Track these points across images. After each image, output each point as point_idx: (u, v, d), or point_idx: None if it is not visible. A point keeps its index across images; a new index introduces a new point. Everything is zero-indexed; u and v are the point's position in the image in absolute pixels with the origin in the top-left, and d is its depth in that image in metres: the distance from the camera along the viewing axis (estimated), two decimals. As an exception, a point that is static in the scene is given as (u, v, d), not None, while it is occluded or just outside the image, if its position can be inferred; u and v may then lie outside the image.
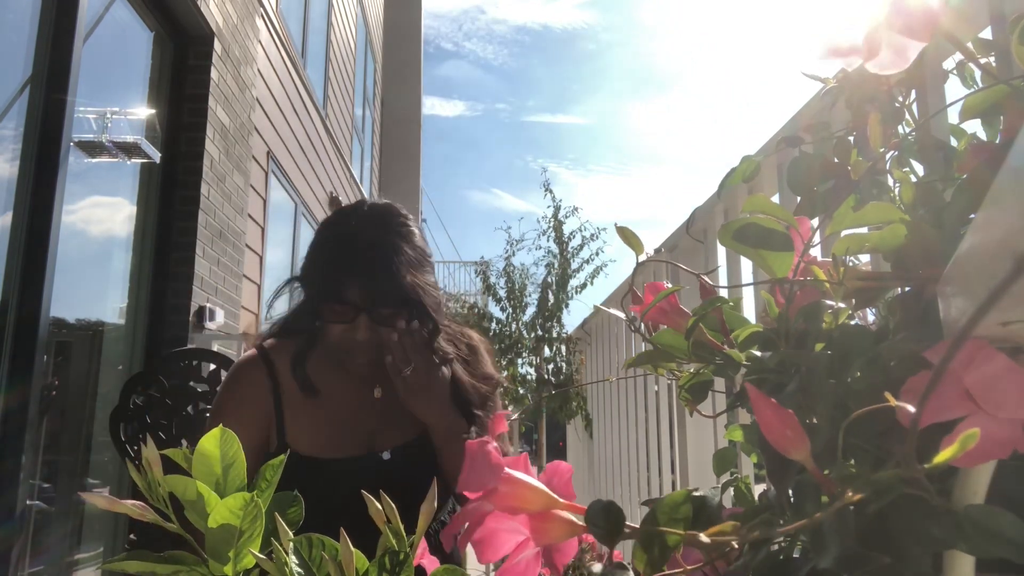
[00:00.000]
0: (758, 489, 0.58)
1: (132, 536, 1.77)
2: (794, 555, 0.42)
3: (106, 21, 3.12)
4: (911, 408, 0.28)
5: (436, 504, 0.48)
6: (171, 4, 3.48)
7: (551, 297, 6.84)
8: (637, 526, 0.39)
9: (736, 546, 0.34)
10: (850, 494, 0.27)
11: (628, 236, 0.52)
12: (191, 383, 2.08)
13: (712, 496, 0.42)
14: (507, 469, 0.40)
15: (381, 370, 1.21)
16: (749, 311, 0.90)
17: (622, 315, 0.64)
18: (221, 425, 0.48)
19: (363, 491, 0.47)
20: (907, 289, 0.49)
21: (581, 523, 0.40)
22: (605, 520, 0.38)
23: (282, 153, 5.40)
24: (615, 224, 0.51)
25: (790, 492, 0.39)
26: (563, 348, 6.52)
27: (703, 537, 0.32)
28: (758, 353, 0.51)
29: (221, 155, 3.91)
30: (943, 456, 0.26)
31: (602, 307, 2.52)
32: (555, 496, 0.41)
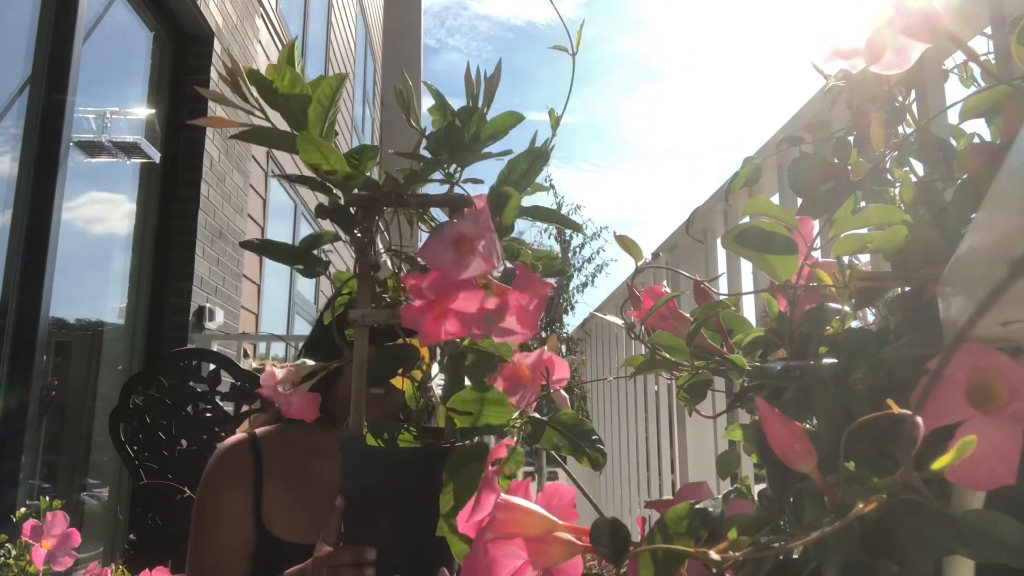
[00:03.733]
0: (758, 488, 0.58)
1: (132, 536, 1.77)
2: (794, 555, 0.41)
3: (106, 21, 3.12)
4: (909, 413, 0.28)
5: None
6: (171, 4, 3.48)
7: (562, 303, 6.86)
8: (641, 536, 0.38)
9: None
10: (860, 506, 0.27)
11: (627, 244, 0.52)
12: (191, 383, 2.08)
13: (715, 507, 0.41)
14: (504, 496, 0.39)
15: None
16: (749, 311, 0.90)
17: (620, 321, 0.64)
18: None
19: None
20: (907, 289, 0.48)
21: (581, 543, 0.39)
22: (611, 539, 0.37)
23: (282, 153, 5.39)
24: (613, 233, 0.51)
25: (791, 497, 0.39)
26: (563, 348, 6.53)
27: (713, 555, 0.31)
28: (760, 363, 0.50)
29: (221, 155, 3.90)
30: (940, 463, 0.26)
31: (598, 314, 2.50)
32: (553, 519, 0.40)
